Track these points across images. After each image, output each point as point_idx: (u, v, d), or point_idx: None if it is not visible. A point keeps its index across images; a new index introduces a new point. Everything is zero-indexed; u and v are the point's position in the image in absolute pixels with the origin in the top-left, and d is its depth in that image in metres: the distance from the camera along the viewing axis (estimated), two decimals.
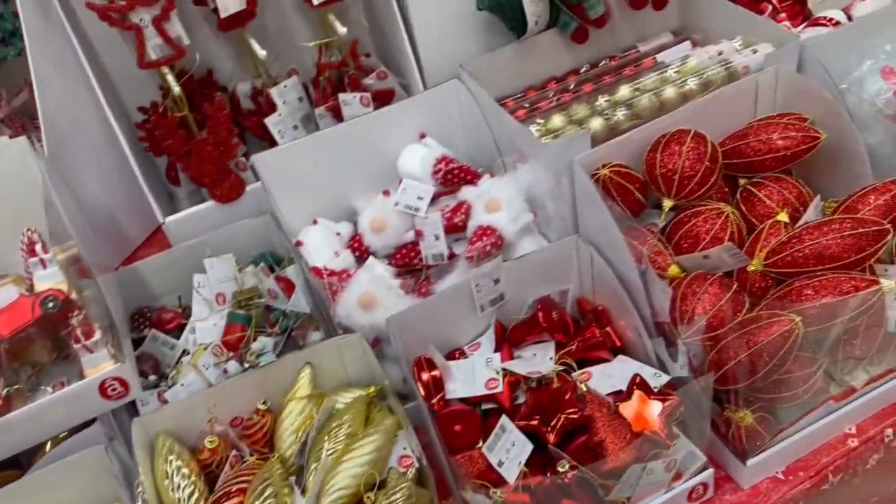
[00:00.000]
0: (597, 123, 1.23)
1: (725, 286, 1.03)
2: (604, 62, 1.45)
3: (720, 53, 1.31)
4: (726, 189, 1.19)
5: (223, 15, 1.26)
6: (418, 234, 1.26)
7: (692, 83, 1.26)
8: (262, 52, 1.32)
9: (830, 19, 1.46)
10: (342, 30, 1.34)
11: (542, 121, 1.26)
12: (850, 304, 0.94)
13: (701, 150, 1.10)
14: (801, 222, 1.06)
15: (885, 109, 1.24)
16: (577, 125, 1.24)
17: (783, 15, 1.53)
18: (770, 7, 1.56)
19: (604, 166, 1.13)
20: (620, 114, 1.24)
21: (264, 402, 1.04)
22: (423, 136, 1.38)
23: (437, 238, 1.26)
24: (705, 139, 1.11)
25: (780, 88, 1.23)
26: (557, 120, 1.25)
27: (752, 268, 1.03)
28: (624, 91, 1.29)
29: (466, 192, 1.27)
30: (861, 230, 0.99)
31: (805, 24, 1.50)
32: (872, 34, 1.30)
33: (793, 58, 1.24)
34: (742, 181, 1.18)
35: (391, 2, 1.34)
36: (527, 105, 1.35)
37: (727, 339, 0.96)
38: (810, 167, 1.21)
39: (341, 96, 1.34)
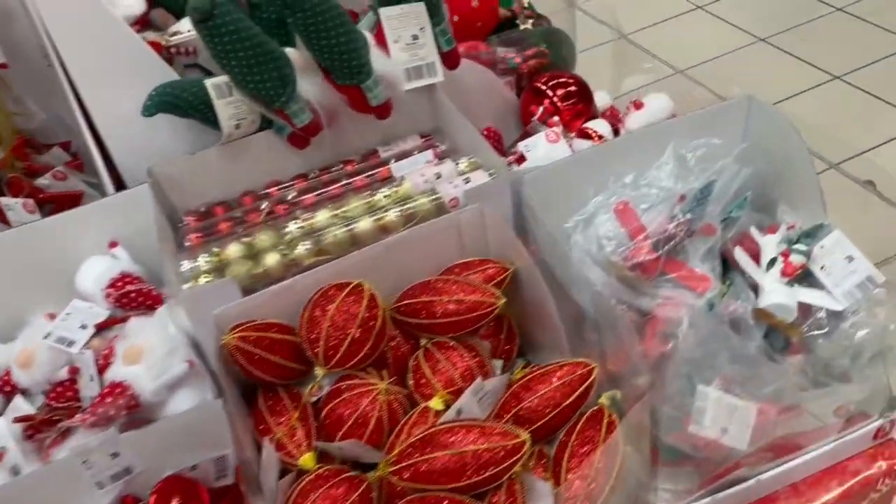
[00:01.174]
0: (272, 259, 1.06)
1: (354, 486, 0.86)
2: (338, 167, 1.28)
3: (438, 177, 1.14)
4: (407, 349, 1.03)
5: None
6: (73, 370, 1.09)
7: (394, 214, 1.09)
8: None
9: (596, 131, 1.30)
10: None
11: (217, 249, 1.08)
12: None
13: (353, 310, 0.93)
14: (443, 418, 0.89)
15: (611, 257, 1.09)
16: (251, 261, 1.07)
17: (555, 118, 1.37)
18: (542, 107, 1.40)
19: (238, 327, 0.95)
20: (303, 248, 1.07)
21: None
22: (112, 245, 1.20)
23: (92, 379, 1.08)
24: (363, 296, 0.94)
25: (489, 229, 1.07)
26: (234, 249, 1.08)
27: (378, 473, 0.86)
28: (322, 217, 1.11)
29: (127, 328, 1.10)
30: (493, 444, 0.82)
31: (577, 133, 1.34)
32: (615, 159, 1.15)
33: (504, 192, 1.08)
34: (423, 341, 1.01)
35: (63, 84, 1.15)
36: (230, 218, 1.17)
37: None
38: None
39: (2, 200, 1.15)
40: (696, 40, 2.29)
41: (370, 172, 1.24)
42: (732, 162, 1.11)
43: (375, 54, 1.19)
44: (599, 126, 1.30)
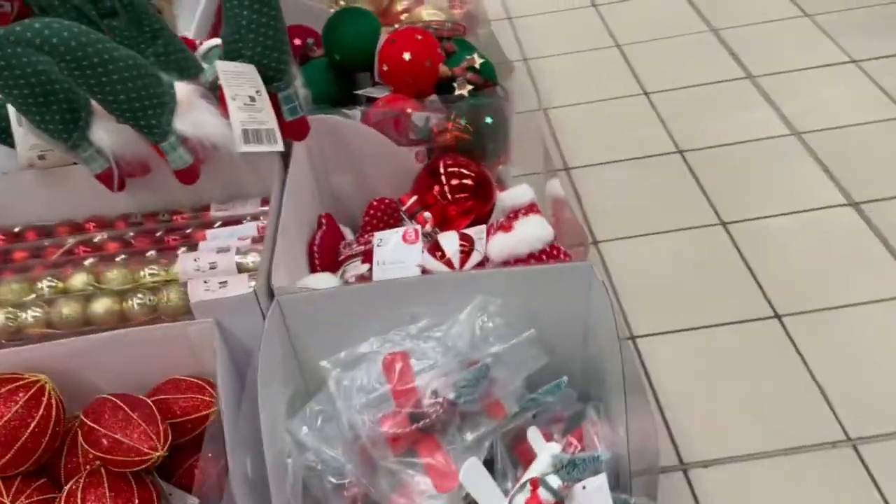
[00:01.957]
0: None
1: None
2: (164, 215, 1.16)
3: (212, 267, 1.00)
4: None
5: None
6: None
7: (135, 301, 0.96)
8: None
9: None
10: None
11: None
12: None
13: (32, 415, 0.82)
14: None
15: (361, 415, 0.90)
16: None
17: (427, 214, 1.17)
18: (434, 191, 1.20)
19: None
20: (31, 315, 0.97)
21: None
22: None
23: None
24: (41, 400, 0.83)
25: (219, 352, 0.92)
26: None
27: None
28: (78, 279, 1.00)
29: None
30: None
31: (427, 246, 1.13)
32: (414, 298, 0.95)
33: (251, 311, 0.92)
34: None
35: None
36: (31, 249, 1.10)
37: None
38: None
39: None
40: (839, 100, 1.91)
41: (184, 232, 1.12)
42: (528, 343, 0.89)
43: (207, 109, 1.05)
44: (453, 243, 1.08)
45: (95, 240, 1.12)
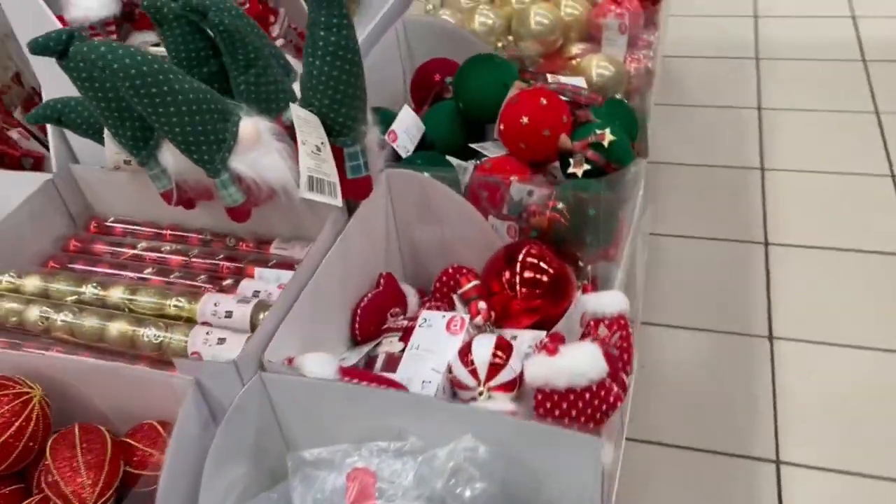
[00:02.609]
0: (32, 315, 1.00)
1: None
2: (231, 240, 1.15)
3: (228, 315, 0.96)
4: None
5: None
6: None
7: (146, 333, 0.95)
8: None
9: None
10: None
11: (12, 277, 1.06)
12: None
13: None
14: None
15: None
16: (23, 304, 1.02)
17: (482, 305, 1.05)
18: (502, 279, 1.08)
19: None
20: (60, 319, 0.99)
21: None
22: None
23: None
24: (24, 410, 0.85)
25: None
26: (32, 283, 1.04)
27: None
28: (116, 292, 1.02)
29: None
30: None
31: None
32: (401, 414, 0.84)
33: (232, 382, 0.86)
34: None
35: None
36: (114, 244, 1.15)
37: None
38: None
39: None
40: None
41: (239, 263, 1.10)
42: None
43: (276, 150, 1.01)
44: (486, 351, 0.95)
45: (163, 248, 1.13)
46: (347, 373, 0.91)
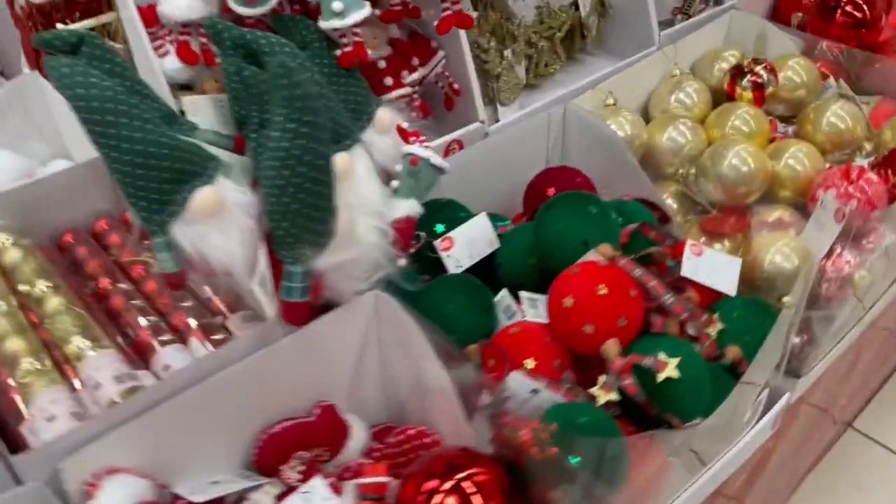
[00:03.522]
0: None
1: None
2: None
3: (96, 388, 0.84)
4: None
5: None
6: None
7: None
8: None
9: None
10: None
11: None
12: None
13: None
14: None
15: None
16: None
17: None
18: None
19: None
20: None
21: None
22: None
23: None
24: None
25: None
26: None
27: None
28: (55, 301, 0.96)
29: None
30: None
31: None
32: None
33: None
34: None
35: None
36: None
37: None
38: None
39: None
40: None
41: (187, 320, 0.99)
42: None
43: (235, 225, 0.87)
44: None
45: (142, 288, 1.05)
46: None
